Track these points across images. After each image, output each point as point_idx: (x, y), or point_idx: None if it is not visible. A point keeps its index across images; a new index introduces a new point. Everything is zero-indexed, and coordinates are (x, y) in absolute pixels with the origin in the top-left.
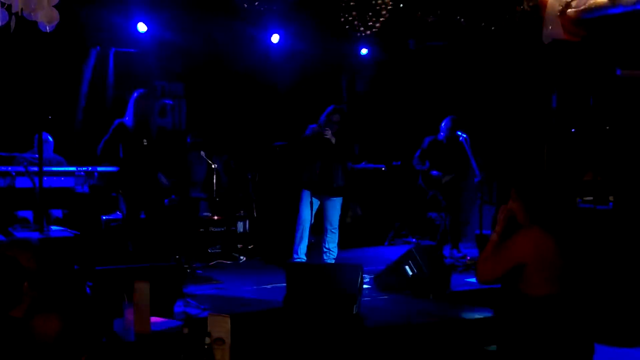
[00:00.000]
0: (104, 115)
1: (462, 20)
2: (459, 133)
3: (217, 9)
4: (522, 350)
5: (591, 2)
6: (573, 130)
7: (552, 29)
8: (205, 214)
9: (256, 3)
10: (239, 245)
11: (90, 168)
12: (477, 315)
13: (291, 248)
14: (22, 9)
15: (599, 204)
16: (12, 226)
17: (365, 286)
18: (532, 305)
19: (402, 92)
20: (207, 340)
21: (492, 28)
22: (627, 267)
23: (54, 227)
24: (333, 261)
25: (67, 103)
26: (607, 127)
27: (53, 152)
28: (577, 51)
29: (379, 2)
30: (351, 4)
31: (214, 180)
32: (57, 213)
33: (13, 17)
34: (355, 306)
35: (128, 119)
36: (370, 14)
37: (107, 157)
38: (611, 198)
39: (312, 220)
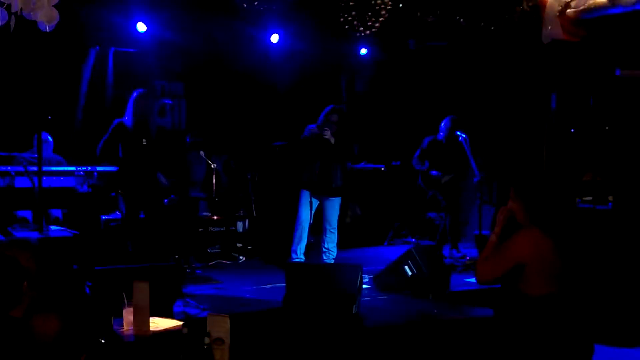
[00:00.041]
0: (104, 115)
1: (462, 20)
2: (459, 133)
3: (216, 8)
4: (522, 350)
5: (590, 2)
6: (572, 130)
7: (552, 29)
8: (205, 213)
9: (256, 3)
10: (239, 245)
11: (89, 168)
12: (477, 315)
13: (290, 248)
14: (21, 9)
15: (599, 204)
16: (12, 226)
17: (364, 286)
18: (532, 305)
19: (402, 92)
20: (207, 340)
21: (492, 28)
22: (627, 267)
23: (53, 227)
24: (332, 261)
25: (67, 103)
26: (607, 127)
27: (53, 152)
28: (576, 51)
29: (379, 2)
30: (351, 4)
31: (214, 180)
32: (57, 213)
33: (13, 16)
34: (354, 306)
35: (127, 118)
36: (369, 13)
37: (106, 156)
38: (610, 198)
39: (311, 220)
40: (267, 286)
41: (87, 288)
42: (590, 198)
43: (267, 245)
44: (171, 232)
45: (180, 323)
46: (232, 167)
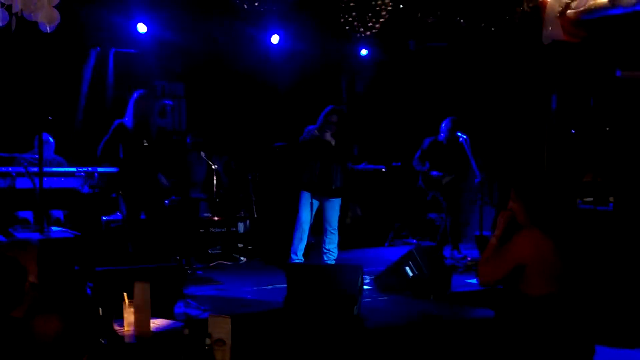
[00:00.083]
0: (104, 115)
1: (462, 21)
2: (459, 134)
3: (217, 9)
4: (523, 351)
5: (591, 3)
6: (573, 131)
7: (552, 30)
8: (206, 214)
9: (256, 3)
10: (240, 246)
11: (90, 169)
12: (478, 316)
13: (290, 249)
14: (22, 10)
15: (599, 205)
16: (13, 227)
17: (365, 287)
18: (533, 306)
19: (402, 93)
20: (208, 341)
21: (492, 29)
22: (628, 268)
23: (54, 228)
24: (333, 262)
25: (67, 103)
26: (607, 128)
27: (54, 153)
28: (577, 52)
29: (379, 2)
30: (351, 4)
31: (214, 181)
32: (58, 214)
33: (13, 17)
34: (355, 307)
35: (128, 119)
36: (370, 14)
37: (107, 157)
38: (611, 199)
39: (312, 221)
40: (268, 287)
41: (88, 289)
42: (591, 199)
43: (268, 246)
44: (172, 233)
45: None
46: (233, 167)
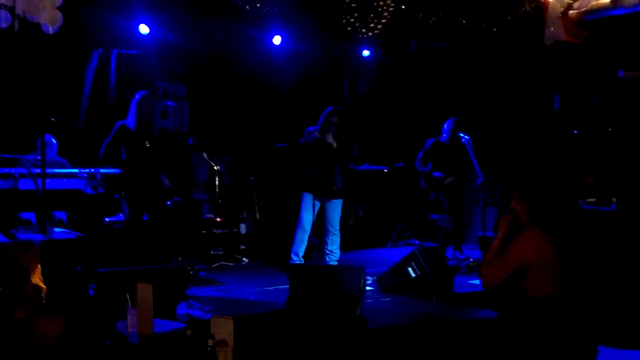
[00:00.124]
0: (106, 117)
1: (464, 21)
2: (461, 135)
3: (218, 10)
4: (525, 352)
5: (593, 3)
6: (575, 131)
7: (554, 31)
8: (208, 215)
9: (258, 5)
10: (242, 247)
11: (92, 170)
12: (481, 317)
13: (291, 249)
14: (25, 11)
15: (602, 206)
16: (16, 228)
17: (368, 288)
18: (535, 307)
19: (404, 93)
20: (210, 342)
21: (494, 29)
22: (631, 269)
23: (56, 229)
24: (335, 263)
25: (70, 105)
26: (610, 129)
27: (57, 154)
28: (579, 53)
29: (381, 3)
30: (353, 5)
31: (217, 182)
32: (61, 215)
33: (16, 19)
34: (358, 308)
35: (130, 120)
36: (371, 15)
37: (109, 159)
38: (614, 200)
39: (314, 222)
40: (270, 288)
41: (90, 290)
42: (594, 199)
43: (270, 247)
44: (174, 234)
45: (184, 325)
46: (235, 168)
